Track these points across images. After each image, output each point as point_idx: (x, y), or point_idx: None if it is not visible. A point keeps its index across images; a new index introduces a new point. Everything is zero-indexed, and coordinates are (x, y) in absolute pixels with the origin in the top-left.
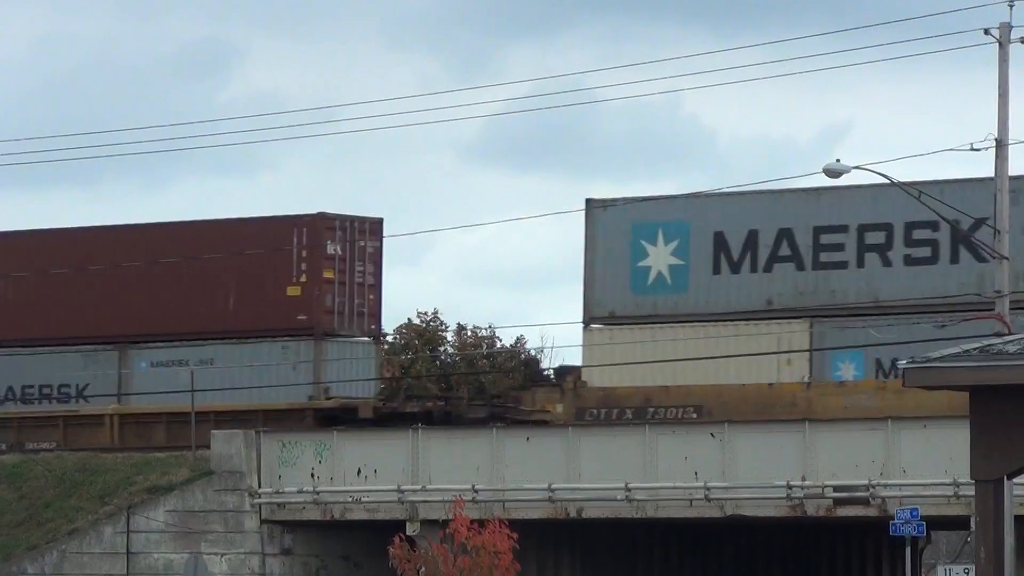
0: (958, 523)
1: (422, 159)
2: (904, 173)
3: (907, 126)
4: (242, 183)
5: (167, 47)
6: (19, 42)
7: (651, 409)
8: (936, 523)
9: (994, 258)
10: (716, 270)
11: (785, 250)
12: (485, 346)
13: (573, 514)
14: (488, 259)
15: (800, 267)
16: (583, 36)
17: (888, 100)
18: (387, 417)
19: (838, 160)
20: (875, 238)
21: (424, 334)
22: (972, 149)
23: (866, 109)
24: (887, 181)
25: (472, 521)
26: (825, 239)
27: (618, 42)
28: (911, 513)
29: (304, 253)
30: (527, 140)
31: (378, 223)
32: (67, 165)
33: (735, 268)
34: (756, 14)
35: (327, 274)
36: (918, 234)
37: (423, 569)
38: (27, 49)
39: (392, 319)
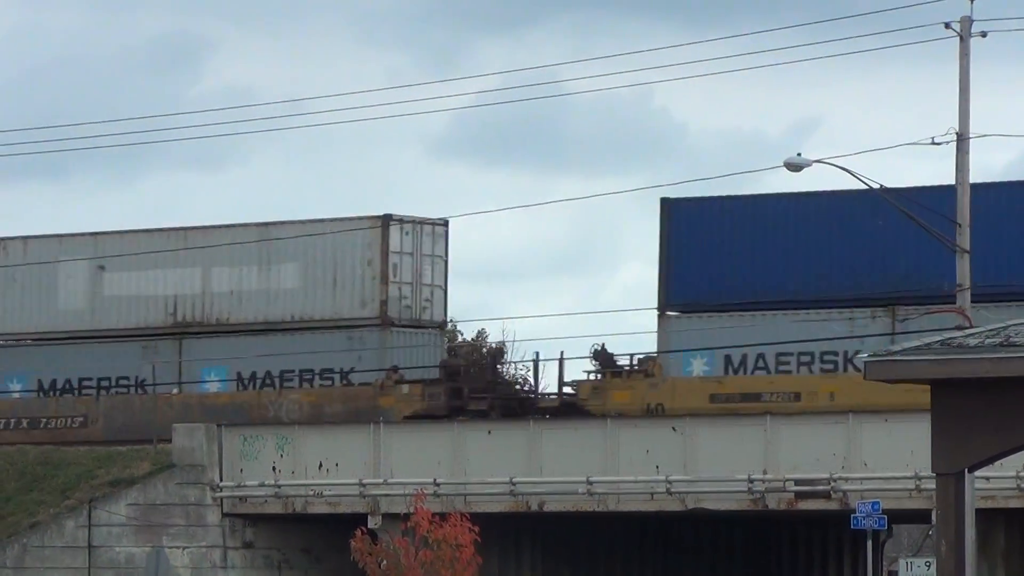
0: (919, 516)
1: (392, 153)
2: (868, 167)
3: (875, 120)
4: (212, 177)
5: (137, 41)
6: None
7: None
8: (897, 516)
9: (955, 251)
10: None
11: None
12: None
13: (535, 507)
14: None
15: None
16: (553, 30)
17: (857, 94)
18: None
19: (799, 154)
20: None
21: None
22: (933, 143)
23: (836, 103)
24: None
25: (434, 514)
26: None
27: (589, 36)
28: (872, 506)
29: None
30: (497, 134)
31: None
32: (35, 158)
33: None
34: (727, 8)
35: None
36: None
37: (384, 562)
38: None
39: None
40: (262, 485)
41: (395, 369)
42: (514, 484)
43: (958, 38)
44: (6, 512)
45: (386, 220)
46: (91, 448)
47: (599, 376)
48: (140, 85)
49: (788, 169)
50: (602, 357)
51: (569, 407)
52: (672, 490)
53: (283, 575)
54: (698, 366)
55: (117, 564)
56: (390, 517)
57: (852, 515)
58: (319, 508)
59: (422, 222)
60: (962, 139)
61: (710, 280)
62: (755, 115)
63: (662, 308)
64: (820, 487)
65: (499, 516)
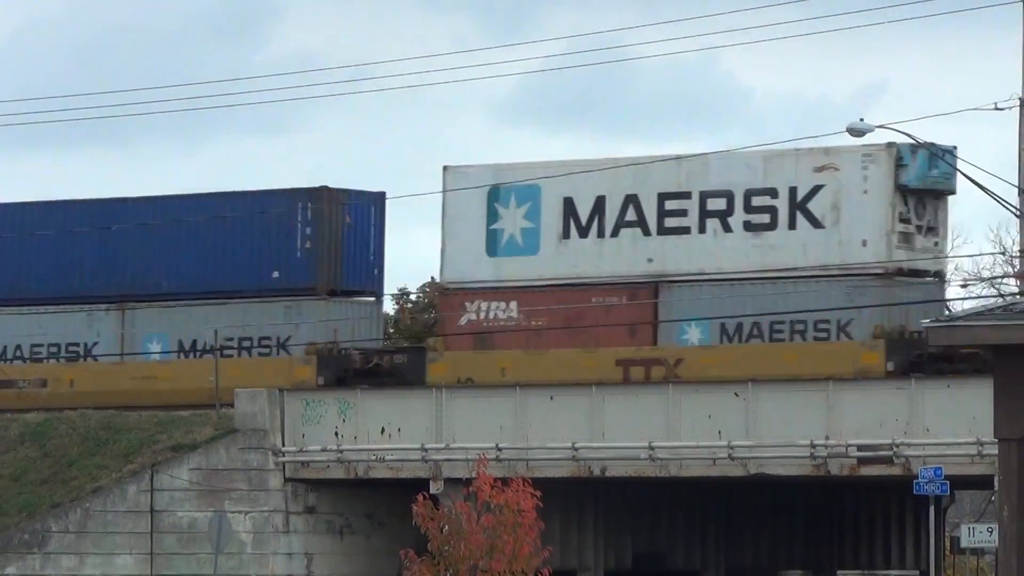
0: (982, 482)
1: (457, 118)
2: (931, 133)
3: (941, 86)
4: (277, 143)
5: (203, 6)
6: (56, 1)
7: None
8: (960, 482)
9: (1018, 216)
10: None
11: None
12: None
13: (597, 473)
14: None
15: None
16: None
17: (923, 60)
18: None
19: (862, 120)
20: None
21: None
22: (996, 108)
23: (901, 68)
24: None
25: (496, 479)
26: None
27: (654, 1)
28: (935, 472)
29: None
30: (562, 99)
31: None
32: (101, 124)
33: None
34: None
35: None
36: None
37: (446, 527)
38: (64, 8)
39: (417, 278)
40: (324, 450)
41: None
42: (576, 449)
43: (1021, 3)
44: (69, 476)
45: None
46: (153, 413)
47: None
48: (206, 51)
49: (851, 135)
50: None
51: None
52: (734, 455)
53: (345, 540)
54: None
55: (179, 528)
56: (452, 482)
57: (914, 481)
58: (381, 473)
59: None
60: None
61: None
62: (821, 80)
63: None
64: (882, 453)
65: (561, 481)
